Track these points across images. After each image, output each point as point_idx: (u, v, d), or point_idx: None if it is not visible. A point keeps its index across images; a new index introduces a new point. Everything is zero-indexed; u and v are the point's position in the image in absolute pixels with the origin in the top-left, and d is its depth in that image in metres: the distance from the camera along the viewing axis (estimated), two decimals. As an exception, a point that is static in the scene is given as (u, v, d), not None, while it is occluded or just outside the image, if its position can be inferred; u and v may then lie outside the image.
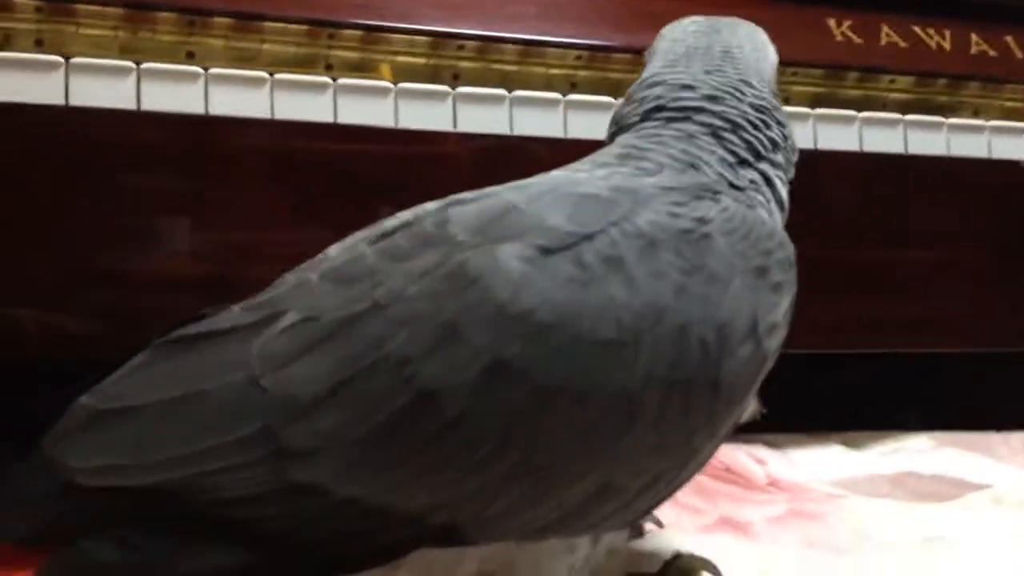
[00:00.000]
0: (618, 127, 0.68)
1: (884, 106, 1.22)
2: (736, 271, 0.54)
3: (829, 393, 1.33)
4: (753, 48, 0.71)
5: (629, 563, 0.63)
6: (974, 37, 1.30)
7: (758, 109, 0.65)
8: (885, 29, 1.26)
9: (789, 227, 0.65)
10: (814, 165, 1.04)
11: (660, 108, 0.65)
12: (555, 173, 0.61)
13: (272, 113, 0.95)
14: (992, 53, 1.31)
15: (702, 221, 0.55)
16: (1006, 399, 1.23)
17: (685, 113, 0.64)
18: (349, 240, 0.57)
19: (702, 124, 0.64)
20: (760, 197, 0.63)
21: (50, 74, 0.90)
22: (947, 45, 1.28)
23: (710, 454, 0.56)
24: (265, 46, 0.99)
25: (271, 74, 0.96)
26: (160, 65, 0.93)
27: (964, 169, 1.08)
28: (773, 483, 0.84)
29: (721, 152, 0.62)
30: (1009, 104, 1.28)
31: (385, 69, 1.02)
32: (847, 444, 0.98)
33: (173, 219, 0.92)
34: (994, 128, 1.11)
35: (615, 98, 1.07)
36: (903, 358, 1.21)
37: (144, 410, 0.50)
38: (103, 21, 0.94)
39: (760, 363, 0.55)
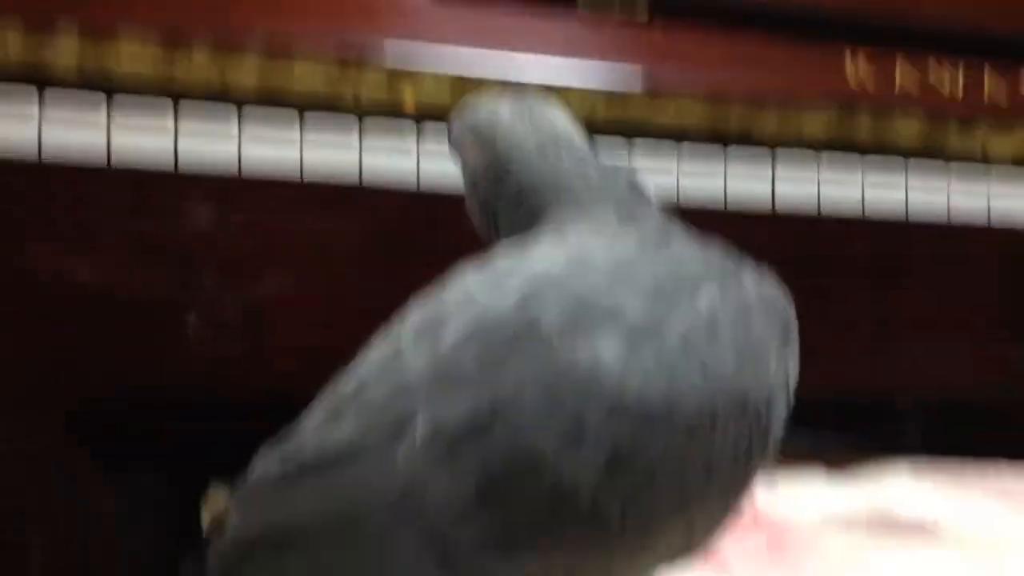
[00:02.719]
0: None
1: (894, 145, 1.27)
2: (771, 338, 0.61)
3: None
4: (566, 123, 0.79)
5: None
6: (987, 78, 1.34)
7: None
8: (899, 68, 1.31)
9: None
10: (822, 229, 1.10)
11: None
12: (586, 243, 0.65)
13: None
14: (1003, 94, 1.35)
15: (745, 300, 0.61)
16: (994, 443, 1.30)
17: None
18: (414, 329, 0.60)
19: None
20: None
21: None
22: (959, 86, 1.32)
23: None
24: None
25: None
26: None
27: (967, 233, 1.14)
28: (757, 516, 0.90)
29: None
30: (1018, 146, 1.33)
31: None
32: (830, 471, 1.03)
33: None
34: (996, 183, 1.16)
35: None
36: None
37: (306, 534, 0.53)
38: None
39: (789, 411, 0.62)
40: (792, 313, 0.64)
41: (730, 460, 0.58)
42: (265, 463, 0.55)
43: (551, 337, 0.55)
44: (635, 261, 0.61)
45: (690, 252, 0.64)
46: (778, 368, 0.61)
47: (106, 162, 0.95)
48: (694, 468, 0.56)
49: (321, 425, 0.56)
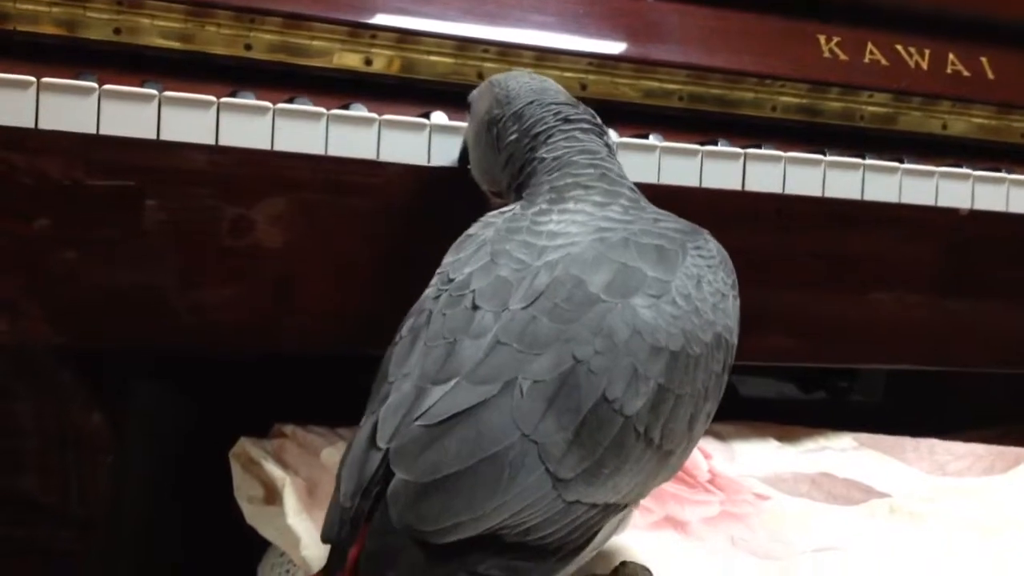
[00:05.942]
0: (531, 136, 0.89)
1: (861, 118, 1.36)
2: (727, 287, 0.78)
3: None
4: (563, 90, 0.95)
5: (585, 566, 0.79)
6: (951, 57, 1.42)
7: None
8: (870, 47, 1.39)
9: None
10: (783, 209, 1.18)
11: (565, 119, 0.89)
12: (590, 214, 0.79)
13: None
14: (966, 73, 1.44)
15: (712, 258, 0.78)
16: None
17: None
18: (482, 293, 0.73)
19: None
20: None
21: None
22: (925, 64, 1.41)
23: None
24: (315, 43, 1.12)
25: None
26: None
27: (914, 214, 1.22)
28: (713, 479, 1.00)
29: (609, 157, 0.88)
30: (976, 121, 1.43)
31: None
32: (781, 439, 1.14)
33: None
34: (943, 174, 1.23)
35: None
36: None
37: (460, 476, 0.64)
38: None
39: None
40: (732, 266, 0.81)
41: (715, 382, 0.75)
42: (400, 429, 0.67)
43: (599, 298, 0.71)
44: (635, 231, 0.76)
45: (665, 221, 0.81)
46: (734, 311, 0.79)
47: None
48: (699, 390, 0.73)
49: (436, 388, 0.68)
